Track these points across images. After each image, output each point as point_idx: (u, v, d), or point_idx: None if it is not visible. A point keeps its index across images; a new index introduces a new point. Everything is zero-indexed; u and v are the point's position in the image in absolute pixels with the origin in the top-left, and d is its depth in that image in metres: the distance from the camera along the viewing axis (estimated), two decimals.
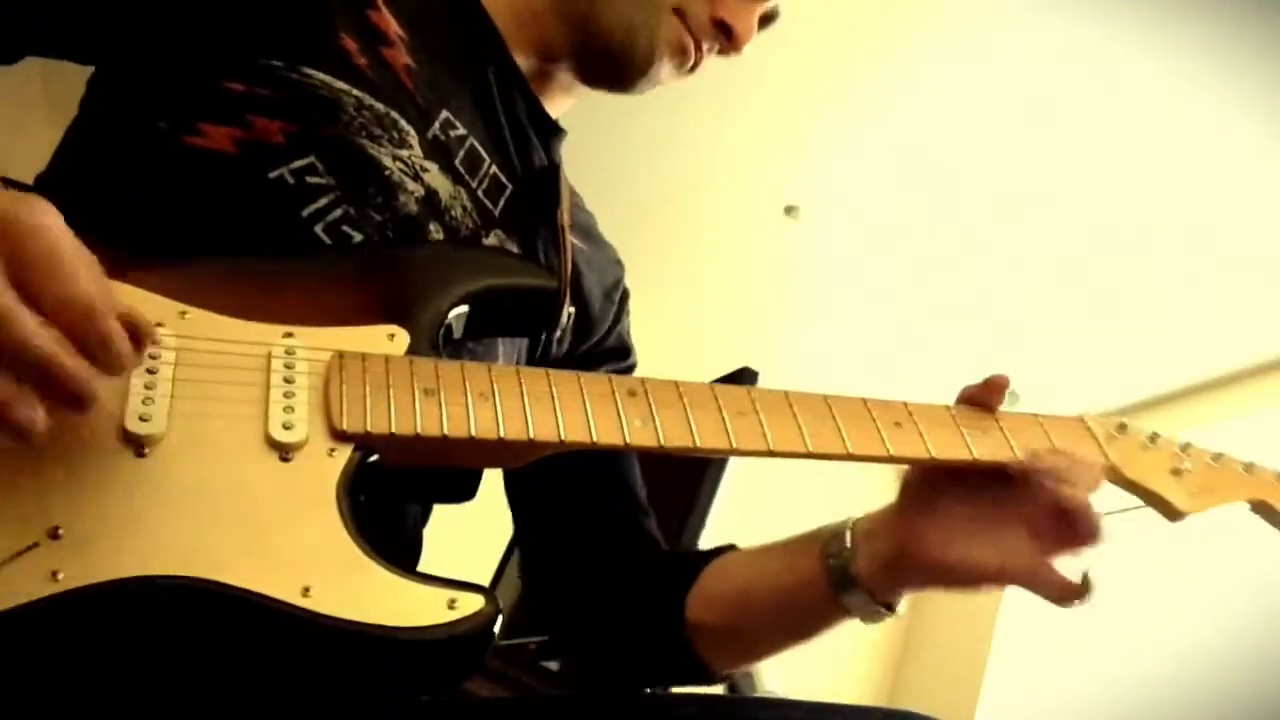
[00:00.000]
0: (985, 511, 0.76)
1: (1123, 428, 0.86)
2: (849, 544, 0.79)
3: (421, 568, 0.96)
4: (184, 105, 0.78)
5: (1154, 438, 0.87)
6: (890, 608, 0.78)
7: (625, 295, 1.07)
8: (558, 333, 0.92)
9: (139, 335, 0.56)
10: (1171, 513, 0.83)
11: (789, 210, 3.28)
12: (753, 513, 1.82)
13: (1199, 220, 2.77)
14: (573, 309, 0.94)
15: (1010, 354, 3.55)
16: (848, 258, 3.39)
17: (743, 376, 1.70)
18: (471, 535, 1.77)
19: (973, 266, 3.23)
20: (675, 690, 0.90)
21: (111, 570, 0.54)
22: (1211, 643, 2.91)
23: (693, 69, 0.99)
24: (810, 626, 0.81)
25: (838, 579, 0.78)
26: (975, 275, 3.26)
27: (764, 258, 3.51)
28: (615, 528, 0.96)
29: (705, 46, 0.96)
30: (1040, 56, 2.50)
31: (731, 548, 0.91)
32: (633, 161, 3.17)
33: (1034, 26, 2.42)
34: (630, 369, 1.06)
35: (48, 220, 0.53)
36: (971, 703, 3.59)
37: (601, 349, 1.03)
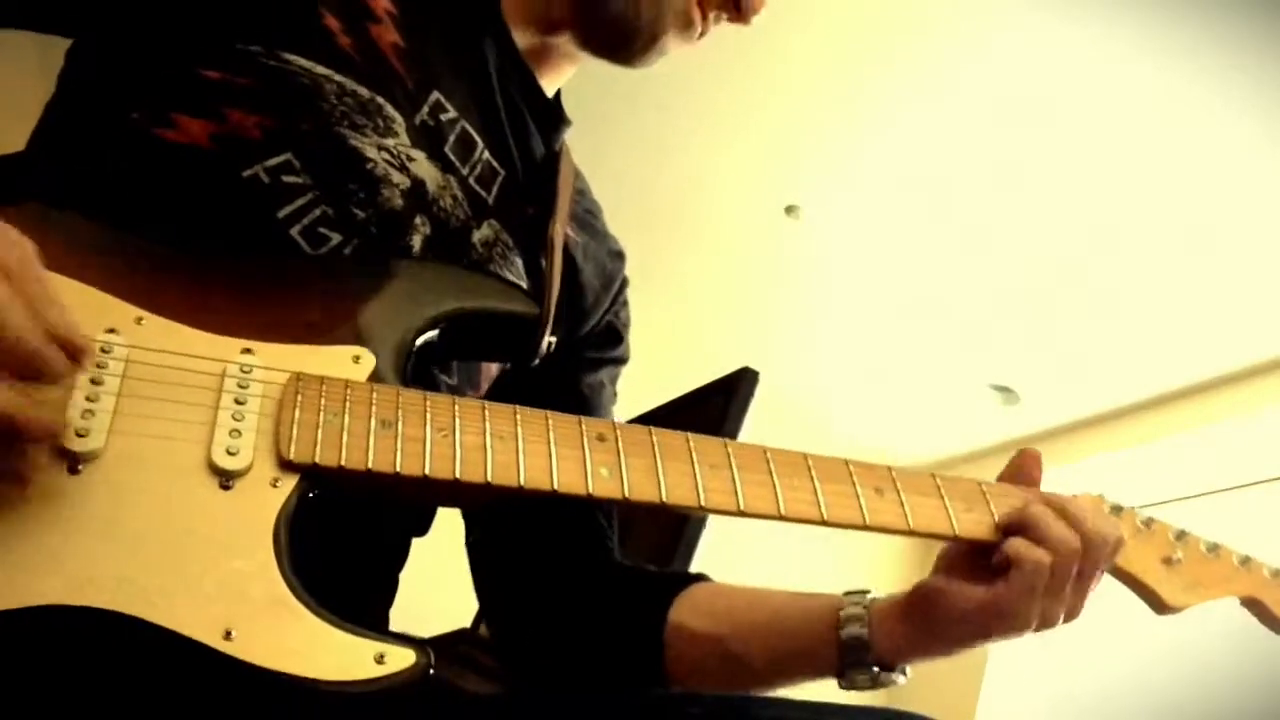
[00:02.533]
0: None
1: (1118, 510, 0.83)
2: (866, 631, 0.77)
3: (417, 583, 0.94)
4: (158, 93, 0.75)
5: (1149, 522, 0.83)
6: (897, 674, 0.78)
7: (624, 285, 1.02)
8: (536, 361, 0.88)
9: (75, 349, 0.54)
10: (1159, 606, 0.81)
11: (789, 210, 3.27)
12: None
13: (1199, 220, 2.77)
14: (554, 339, 0.89)
15: (1010, 354, 3.54)
16: (848, 258, 3.38)
17: (743, 376, 1.70)
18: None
19: (973, 266, 3.23)
20: (678, 690, 0.88)
21: (28, 595, 0.52)
22: (1211, 642, 2.91)
23: (700, 37, 0.93)
24: (793, 668, 0.81)
25: (852, 651, 0.77)
26: (975, 275, 3.26)
27: (764, 258, 3.51)
28: (578, 538, 0.92)
29: (712, 16, 0.92)
30: (1040, 58, 2.49)
31: (705, 577, 0.89)
32: (633, 161, 3.17)
33: (1034, 27, 2.42)
34: (620, 358, 1.02)
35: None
36: (971, 703, 3.58)
37: (590, 335, 0.98)
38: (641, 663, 0.83)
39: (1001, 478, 0.82)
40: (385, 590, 0.87)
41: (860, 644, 0.76)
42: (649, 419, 1.81)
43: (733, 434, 1.58)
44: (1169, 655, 3.03)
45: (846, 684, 0.78)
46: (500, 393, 0.93)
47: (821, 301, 3.63)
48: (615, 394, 1.02)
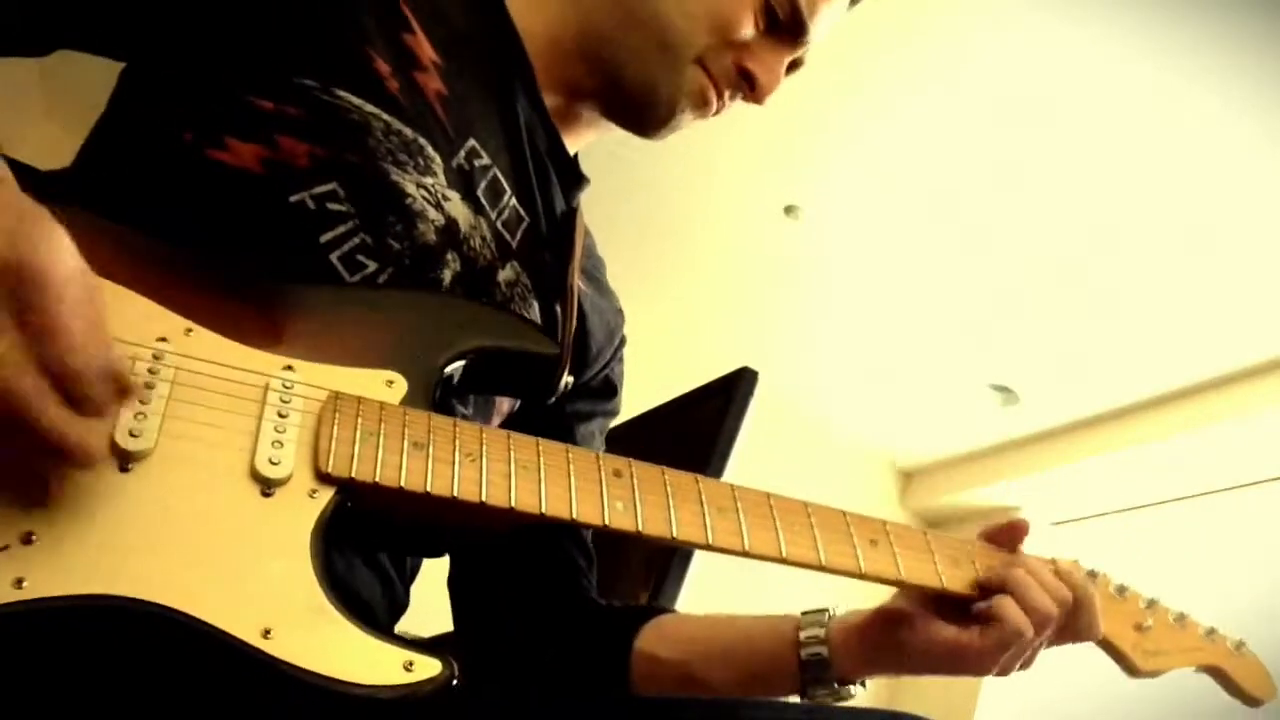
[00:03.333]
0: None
1: (1093, 575, 0.88)
2: (826, 649, 0.83)
3: (417, 583, 0.96)
4: (211, 117, 0.78)
5: (1122, 589, 0.89)
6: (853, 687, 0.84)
7: (623, 342, 1.08)
8: (552, 400, 0.92)
9: (124, 389, 0.56)
10: (1131, 669, 0.87)
11: (789, 210, 3.28)
12: None
13: (1199, 220, 2.77)
14: (570, 378, 0.93)
15: (1010, 354, 3.54)
16: (848, 258, 3.38)
17: (743, 376, 1.70)
18: None
19: (972, 266, 3.23)
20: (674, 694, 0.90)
21: (77, 585, 0.54)
22: None
23: (715, 114, 0.98)
24: (756, 690, 0.85)
25: (812, 670, 0.82)
26: (975, 275, 3.26)
27: (764, 258, 3.51)
28: (553, 574, 0.96)
29: (728, 95, 0.95)
30: (1040, 57, 2.49)
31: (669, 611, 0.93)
32: (633, 162, 3.17)
33: (1034, 27, 2.42)
34: (612, 411, 1.07)
35: (54, 262, 0.52)
36: (971, 703, 3.59)
37: (589, 387, 1.03)
38: (608, 685, 0.88)
39: (988, 533, 0.88)
40: (394, 609, 0.89)
41: (821, 662, 0.82)
42: (649, 419, 1.81)
43: (732, 434, 1.58)
44: None
45: (808, 699, 0.83)
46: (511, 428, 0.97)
47: (821, 301, 3.63)
48: (603, 445, 1.07)
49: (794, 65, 0.99)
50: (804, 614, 0.85)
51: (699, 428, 1.64)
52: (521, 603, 0.95)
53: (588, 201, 1.08)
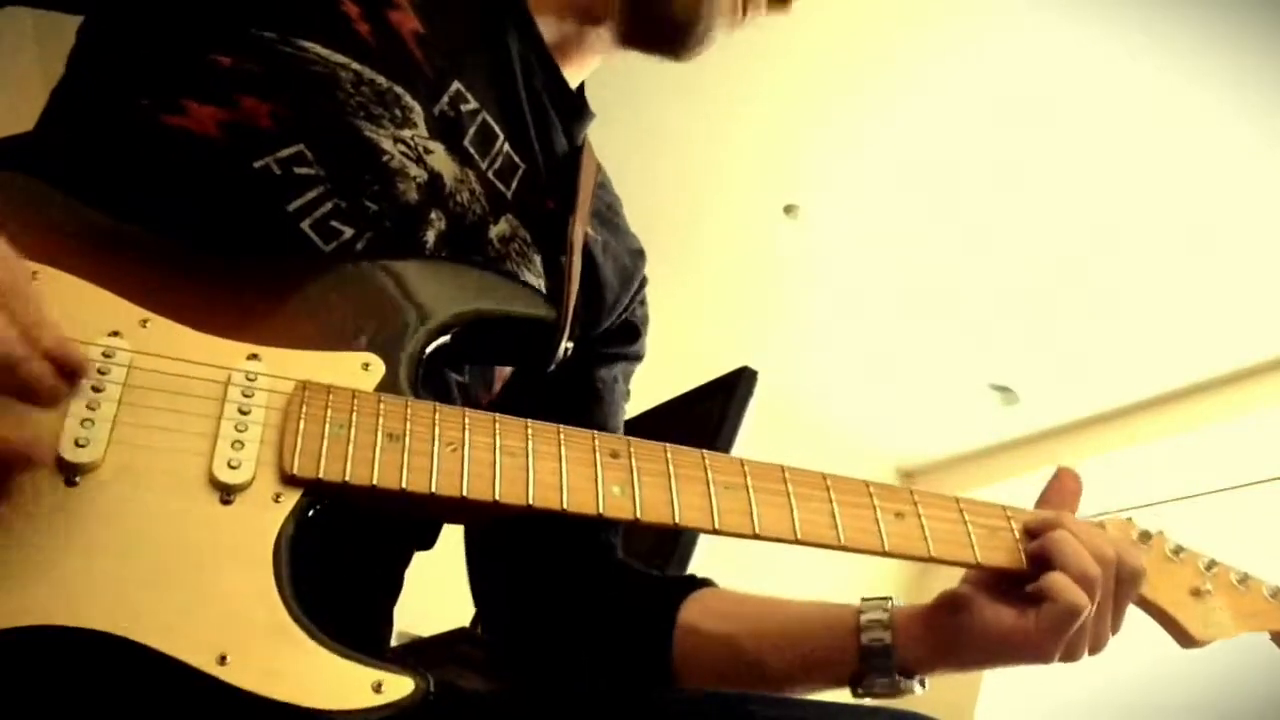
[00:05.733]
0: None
1: (1146, 536, 0.79)
2: (889, 635, 0.75)
3: (417, 583, 0.92)
4: (169, 79, 0.72)
5: (1178, 550, 0.80)
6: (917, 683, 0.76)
7: (643, 284, 1.00)
8: (551, 367, 0.85)
9: (71, 369, 0.53)
10: (1185, 640, 0.78)
11: (789, 210, 3.27)
12: None
13: (1199, 220, 2.77)
14: (570, 344, 0.86)
15: (1010, 354, 3.54)
16: (848, 258, 3.38)
17: (742, 376, 1.70)
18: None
19: (972, 266, 3.23)
20: (683, 688, 0.87)
21: (20, 615, 0.51)
22: (1210, 645, 2.90)
23: (743, 23, 0.92)
24: (809, 674, 0.78)
25: (873, 657, 0.74)
26: (975, 275, 3.26)
27: (764, 258, 3.51)
28: (580, 539, 0.89)
29: (753, 5, 0.90)
30: (1040, 57, 2.49)
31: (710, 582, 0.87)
32: (633, 161, 3.16)
33: (1034, 27, 2.42)
34: (636, 355, 1.00)
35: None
36: (971, 703, 3.58)
37: (608, 332, 0.96)
38: (648, 663, 0.82)
39: (1043, 495, 0.80)
40: (386, 604, 0.85)
41: (883, 649, 0.75)
42: (649, 418, 1.81)
43: (732, 434, 1.58)
44: (1169, 657, 3.03)
45: (864, 691, 0.76)
46: (514, 390, 0.91)
47: (821, 301, 3.62)
48: (628, 391, 1.00)
49: None
50: (864, 600, 0.77)
51: (699, 427, 1.63)
52: (550, 576, 0.88)
53: None
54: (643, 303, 1.00)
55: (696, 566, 1.47)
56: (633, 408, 1.01)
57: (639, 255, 0.99)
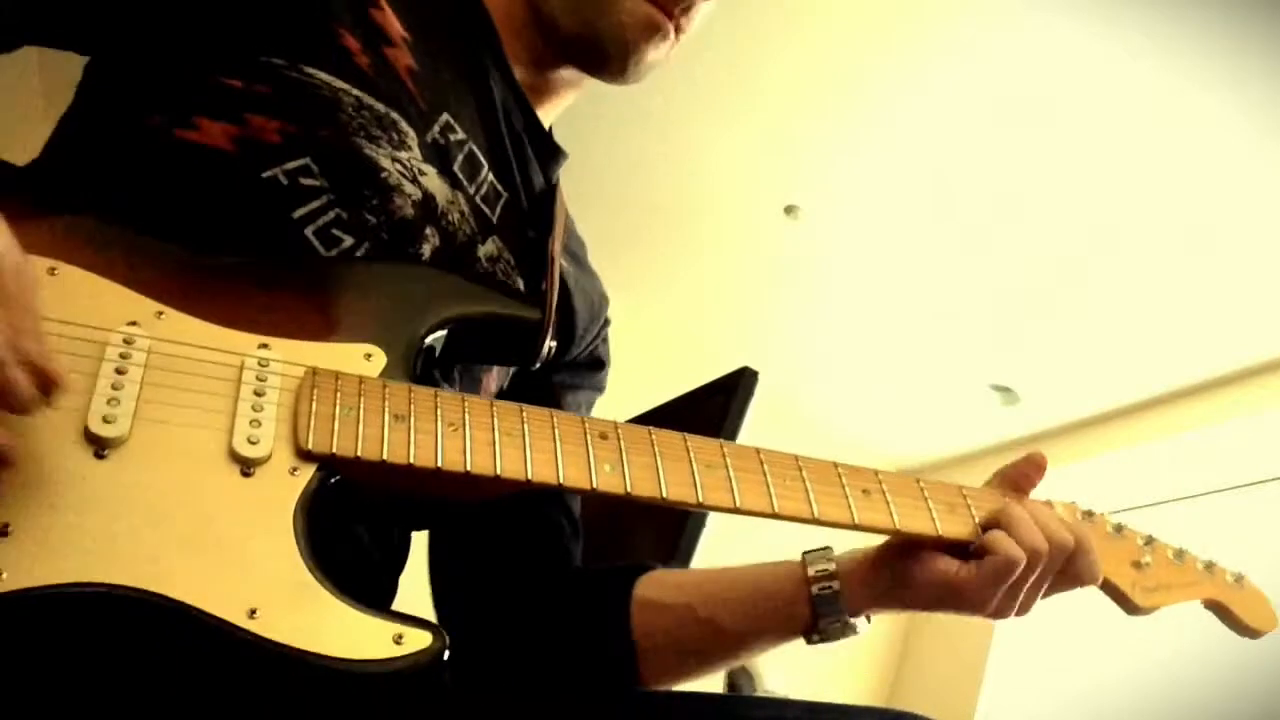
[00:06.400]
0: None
1: (1090, 515, 0.88)
2: (837, 583, 0.82)
3: (417, 584, 0.94)
4: (180, 99, 0.77)
5: (1119, 528, 0.89)
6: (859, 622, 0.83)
7: (607, 324, 1.08)
8: (538, 365, 0.91)
9: (49, 382, 0.55)
10: (1129, 607, 0.87)
11: (789, 210, 3.28)
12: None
13: (1199, 220, 2.77)
14: (554, 343, 0.92)
15: (1010, 354, 3.55)
16: (848, 258, 3.39)
17: (743, 376, 1.70)
18: None
19: (972, 266, 3.23)
20: (674, 690, 0.89)
21: (57, 574, 0.54)
22: (1209, 644, 2.91)
23: (676, 35, 0.93)
24: (764, 628, 0.84)
25: (824, 604, 0.81)
26: (975, 275, 3.26)
27: (763, 257, 3.51)
28: (539, 540, 0.94)
29: (679, 13, 0.91)
30: (1040, 57, 2.50)
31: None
32: (633, 162, 3.17)
33: (1034, 27, 2.42)
34: (599, 387, 1.07)
35: None
36: (971, 703, 3.59)
37: (576, 361, 1.03)
38: (609, 637, 0.86)
39: (1004, 472, 0.87)
40: (390, 580, 0.89)
41: (833, 595, 0.81)
42: (649, 418, 1.81)
43: (732, 434, 1.58)
44: (1168, 656, 3.03)
45: (818, 636, 0.82)
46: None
47: (821, 301, 3.63)
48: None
49: None
50: (806, 553, 0.84)
51: (699, 427, 1.62)
52: (509, 570, 0.93)
53: (588, 201, 1.08)
54: (605, 340, 1.08)
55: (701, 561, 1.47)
56: (633, 408, 1.03)
57: (605, 299, 1.07)
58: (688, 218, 3.43)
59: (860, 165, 3.02)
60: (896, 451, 4.31)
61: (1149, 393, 3.45)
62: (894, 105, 2.78)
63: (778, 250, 3.44)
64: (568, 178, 1.06)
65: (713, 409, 1.63)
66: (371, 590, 0.83)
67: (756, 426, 1.57)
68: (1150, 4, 2.27)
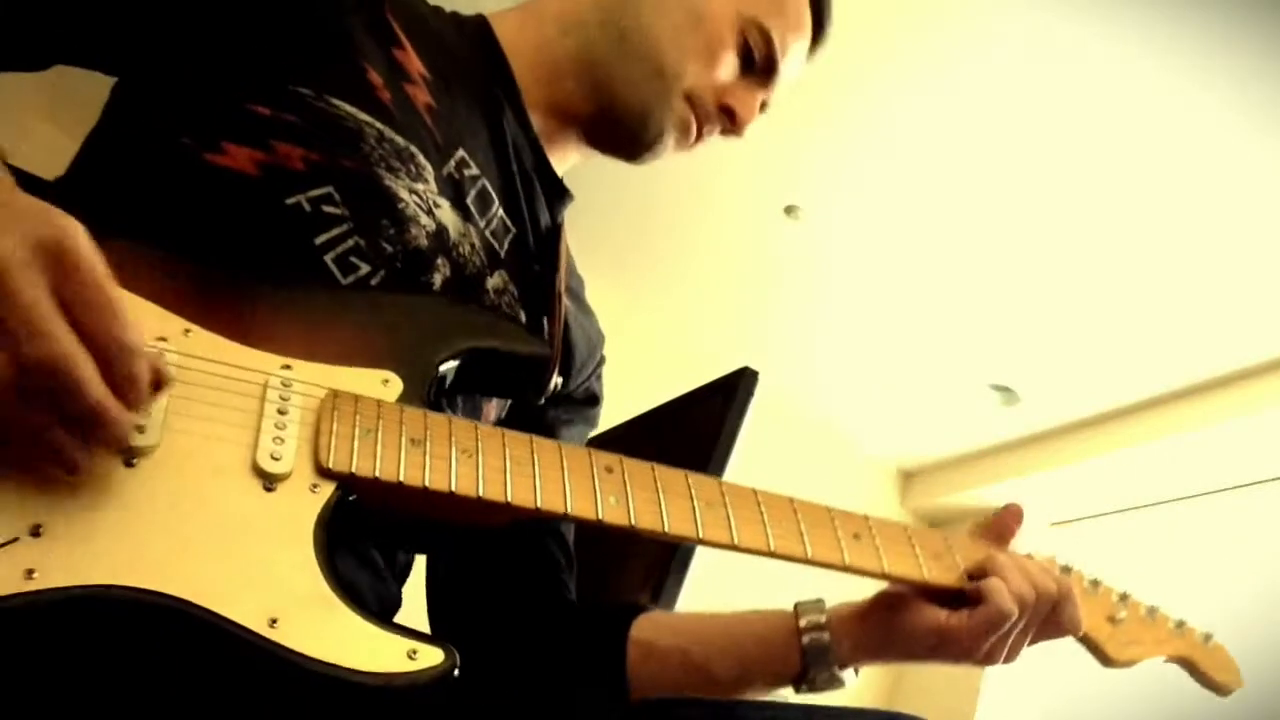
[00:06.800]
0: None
1: (1067, 570, 0.90)
2: (827, 635, 0.84)
3: (417, 586, 0.96)
4: (208, 123, 0.79)
5: (1095, 584, 0.91)
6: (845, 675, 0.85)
7: (602, 361, 1.11)
8: (542, 400, 0.95)
9: (160, 380, 0.58)
10: (1105, 660, 0.89)
11: (789, 210, 3.28)
12: None
13: (1199, 220, 2.77)
14: (560, 379, 0.96)
15: (1010, 354, 3.55)
16: (848, 258, 3.39)
17: (743, 376, 1.70)
18: None
19: (972, 266, 3.23)
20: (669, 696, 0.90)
21: (87, 575, 0.55)
22: None
23: (694, 145, 1.04)
24: (756, 675, 0.86)
25: (813, 655, 0.84)
26: (975, 275, 3.26)
27: (764, 258, 3.51)
28: (535, 574, 0.96)
29: (707, 128, 1.02)
30: (1040, 57, 2.50)
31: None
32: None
33: (1034, 27, 2.42)
34: (592, 421, 1.10)
35: (89, 247, 0.54)
36: (971, 704, 3.59)
37: (572, 396, 1.06)
38: (604, 675, 0.87)
39: (983, 524, 0.90)
40: (392, 603, 0.90)
41: (822, 648, 0.84)
42: (650, 418, 1.81)
43: (732, 434, 1.58)
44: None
45: (806, 687, 0.84)
46: None
47: (821, 301, 3.63)
48: None
49: (763, 106, 1.07)
50: (798, 604, 0.87)
51: (699, 428, 1.63)
52: (505, 600, 0.95)
53: (589, 203, 1.09)
54: (600, 378, 1.11)
55: (690, 590, 1.48)
56: (634, 407, 1.04)
57: (601, 336, 1.11)
58: (688, 218, 3.43)
59: (860, 165, 3.02)
60: (896, 451, 4.31)
61: (1149, 393, 3.44)
62: (894, 106, 2.78)
63: (778, 250, 3.45)
64: (569, 179, 1.07)
65: (713, 409, 1.63)
66: (380, 607, 0.86)
67: (757, 427, 1.57)
68: (1150, 4, 2.27)
